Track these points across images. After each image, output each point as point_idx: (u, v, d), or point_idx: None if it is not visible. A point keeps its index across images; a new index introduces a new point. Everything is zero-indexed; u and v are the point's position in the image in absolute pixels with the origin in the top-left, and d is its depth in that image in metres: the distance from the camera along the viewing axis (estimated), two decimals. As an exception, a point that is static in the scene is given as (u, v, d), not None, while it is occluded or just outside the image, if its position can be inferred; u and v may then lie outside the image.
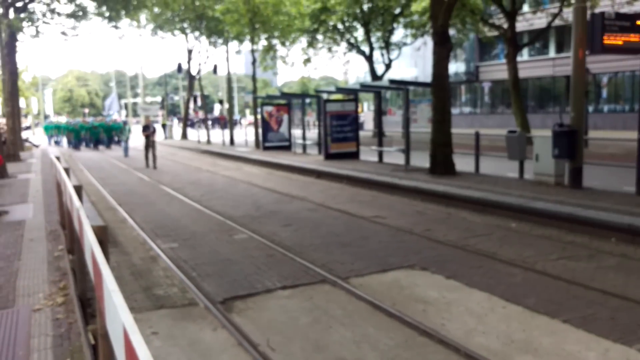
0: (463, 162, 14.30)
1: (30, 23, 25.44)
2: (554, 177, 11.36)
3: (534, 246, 7.63)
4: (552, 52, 38.47)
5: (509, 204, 9.71)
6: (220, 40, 34.89)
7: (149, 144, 20.42)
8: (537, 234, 8.39)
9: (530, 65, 38.28)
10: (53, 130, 39.62)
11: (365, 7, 33.24)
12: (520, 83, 25.88)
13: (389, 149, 17.31)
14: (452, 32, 28.00)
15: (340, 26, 35.07)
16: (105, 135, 35.00)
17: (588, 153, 13.96)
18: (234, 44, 33.56)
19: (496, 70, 41.09)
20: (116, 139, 34.64)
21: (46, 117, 72.04)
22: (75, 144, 34.57)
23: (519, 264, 6.79)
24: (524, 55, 38.37)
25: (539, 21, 29.35)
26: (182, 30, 35.55)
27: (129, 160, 24.22)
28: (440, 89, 13.91)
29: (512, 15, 24.26)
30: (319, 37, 35.64)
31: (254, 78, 28.93)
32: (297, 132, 23.92)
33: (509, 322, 5.01)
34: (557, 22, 25.15)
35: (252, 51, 28.41)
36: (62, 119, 65.38)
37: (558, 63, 36.96)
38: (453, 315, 5.22)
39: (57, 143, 38.05)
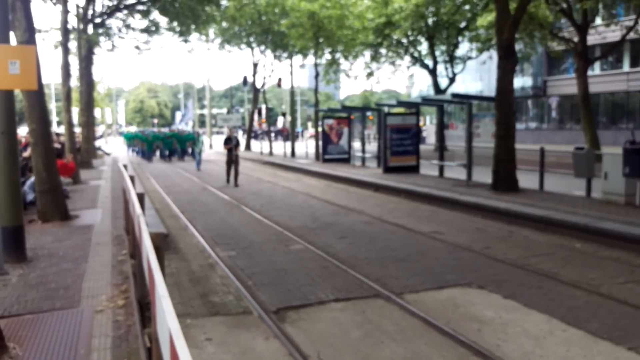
0: (527, 179, 13.88)
1: (107, 38, 26.97)
2: (624, 196, 10.85)
3: (600, 268, 7.29)
4: (626, 66, 36.88)
5: (573, 223, 9.34)
6: (285, 54, 35.54)
7: (232, 159, 18.25)
8: (603, 255, 8.02)
9: (602, 80, 36.81)
10: (133, 140, 39.91)
11: (430, 21, 33.01)
12: (590, 98, 24.93)
13: (450, 164, 17.03)
14: (519, 46, 27.41)
15: (404, 40, 34.96)
16: (179, 146, 33.43)
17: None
18: (298, 58, 33.98)
19: (565, 84, 39.75)
20: (189, 150, 33.13)
21: (119, 126, 75.42)
22: (147, 154, 33.04)
23: (583, 286, 6.51)
24: (596, 69, 36.93)
25: (613, 34, 28.19)
26: (249, 44, 36.41)
27: (200, 173, 23.03)
28: (505, 103, 13.61)
29: (583, 28, 23.46)
30: (383, 50, 35.67)
31: (316, 91, 29.27)
32: (356, 145, 23.95)
33: (569, 347, 4.81)
34: (632, 35, 24.11)
35: (316, 65, 28.77)
36: (132, 129, 68.07)
37: (632, 77, 35.42)
38: (509, 336, 5.06)
39: (137, 152, 37.33)
